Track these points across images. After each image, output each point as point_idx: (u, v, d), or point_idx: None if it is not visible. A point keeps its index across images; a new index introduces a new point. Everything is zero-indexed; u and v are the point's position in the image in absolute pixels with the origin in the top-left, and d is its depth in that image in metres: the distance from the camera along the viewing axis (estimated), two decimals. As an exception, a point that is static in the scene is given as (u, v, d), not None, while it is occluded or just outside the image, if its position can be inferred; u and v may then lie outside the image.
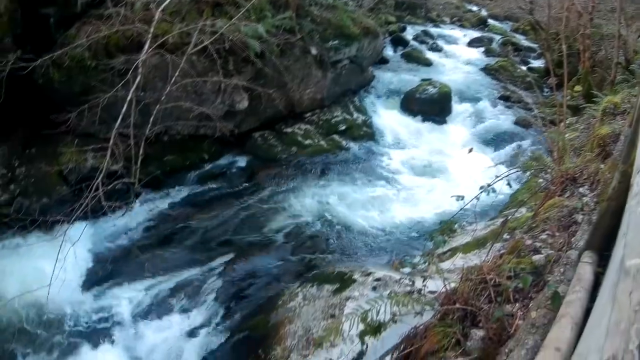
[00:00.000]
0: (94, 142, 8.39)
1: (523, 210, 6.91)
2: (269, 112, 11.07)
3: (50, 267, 6.31)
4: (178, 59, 8.42)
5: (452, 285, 4.11)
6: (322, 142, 11.31)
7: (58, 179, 8.81)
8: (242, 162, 10.45)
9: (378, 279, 6.72)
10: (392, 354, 4.73)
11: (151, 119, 7.74)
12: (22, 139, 9.42)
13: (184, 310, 7.31)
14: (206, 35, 8.98)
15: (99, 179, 6.69)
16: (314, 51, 11.52)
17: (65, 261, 6.51)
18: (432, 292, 4.52)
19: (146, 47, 8.02)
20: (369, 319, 4.66)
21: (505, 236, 5.23)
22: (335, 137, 11.59)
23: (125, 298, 7.46)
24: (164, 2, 8.67)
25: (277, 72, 10.61)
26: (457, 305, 3.80)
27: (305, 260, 8.19)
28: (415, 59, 16.94)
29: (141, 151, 7.37)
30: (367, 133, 11.96)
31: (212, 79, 9.29)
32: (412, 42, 18.84)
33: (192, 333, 7.04)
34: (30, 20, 9.17)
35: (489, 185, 4.55)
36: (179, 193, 9.44)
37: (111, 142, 7.17)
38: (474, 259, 5.64)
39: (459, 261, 5.89)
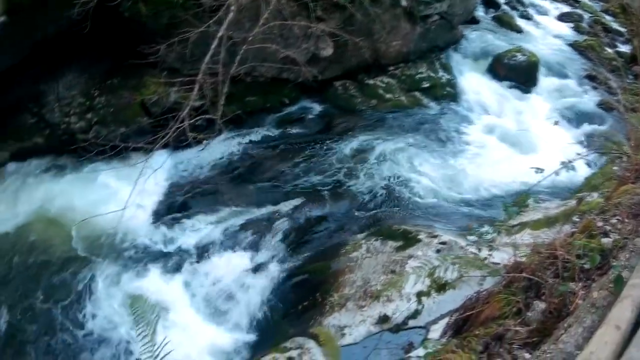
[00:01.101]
0: (178, 78, 8.73)
1: (595, 195, 6.95)
2: (353, 61, 11.21)
3: (127, 192, 6.94)
4: (269, 0, 8.63)
5: (520, 256, 4.29)
6: (403, 98, 11.40)
7: (139, 110, 9.43)
8: (320, 109, 10.73)
9: (443, 243, 6.99)
10: (451, 316, 4.96)
11: (237, 58, 8.03)
12: (104, 70, 10.07)
13: (251, 247, 7.86)
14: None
15: (186, 111, 7.07)
16: (404, 2, 11.50)
17: (143, 188, 7.14)
18: (495, 264, 4.71)
19: None
20: (435, 276, 4.92)
21: (575, 219, 5.33)
22: (417, 94, 11.62)
23: (195, 229, 8.11)
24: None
25: (365, 20, 10.70)
26: (524, 275, 3.96)
27: (373, 213, 8.51)
28: (505, 23, 16.57)
29: (225, 89, 7.71)
30: (450, 93, 11.92)
31: (300, 23, 9.49)
32: (504, 7, 18.41)
33: (255, 269, 7.62)
34: None
35: (569, 161, 4.59)
36: (257, 133, 9.89)
37: (199, 76, 7.52)
38: (542, 236, 5.77)
39: (526, 236, 6.04)
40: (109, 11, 8.47)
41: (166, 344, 3.44)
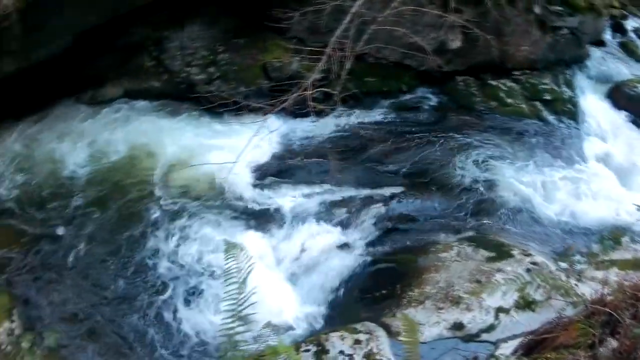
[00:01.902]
0: (302, 48, 9.28)
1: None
2: (479, 58, 11.24)
3: (239, 147, 7.37)
4: None
5: (606, 292, 4.34)
6: (524, 106, 11.30)
7: (260, 72, 9.99)
8: (438, 101, 10.83)
9: (535, 263, 7.10)
10: (526, 336, 5.06)
11: (365, 37, 8.24)
12: (230, 28, 10.67)
13: (342, 224, 8.22)
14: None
15: (311, 79, 7.39)
16: (537, 10, 11.42)
17: (255, 147, 7.55)
18: (580, 294, 4.76)
19: None
20: (525, 292, 5.03)
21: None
22: (538, 104, 11.44)
23: (294, 195, 8.57)
24: None
25: (498, 19, 10.70)
26: (607, 309, 4.03)
27: (470, 217, 8.61)
28: (630, 51, 16.01)
29: (349, 65, 7.93)
30: (569, 111, 11.66)
31: (433, 11, 9.58)
32: (631, 34, 17.82)
33: (343, 246, 7.99)
34: None
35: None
36: (371, 115, 10.13)
37: (329, 48, 7.76)
38: (629, 276, 5.78)
39: (612, 273, 6.03)
40: None
41: (253, 294, 3.70)
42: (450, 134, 10.12)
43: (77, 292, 7.53)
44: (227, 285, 3.92)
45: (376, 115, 10.16)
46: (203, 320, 7.20)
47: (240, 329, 3.76)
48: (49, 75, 10.72)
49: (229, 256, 3.97)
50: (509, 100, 11.21)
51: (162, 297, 7.45)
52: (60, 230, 8.36)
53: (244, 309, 3.81)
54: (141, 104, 10.38)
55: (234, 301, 3.81)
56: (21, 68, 10.39)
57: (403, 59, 10.40)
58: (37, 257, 8.01)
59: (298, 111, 8.15)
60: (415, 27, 9.86)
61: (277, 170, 8.95)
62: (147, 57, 10.58)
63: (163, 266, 7.73)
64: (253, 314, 3.81)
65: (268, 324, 4.18)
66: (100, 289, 7.60)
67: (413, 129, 10.08)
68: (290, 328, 7.08)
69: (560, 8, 11.96)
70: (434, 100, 10.83)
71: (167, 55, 10.46)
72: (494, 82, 11.42)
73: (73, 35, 10.47)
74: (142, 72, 10.53)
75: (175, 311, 7.32)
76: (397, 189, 8.75)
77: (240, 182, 8.61)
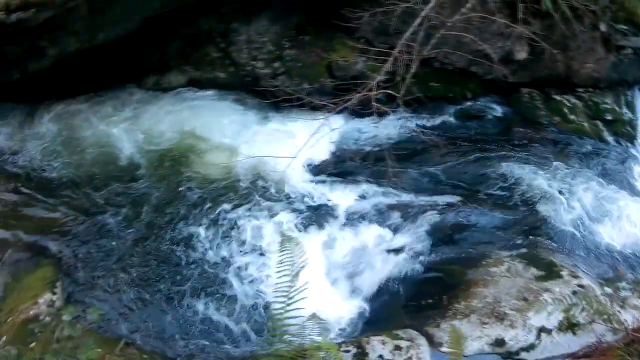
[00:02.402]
0: (368, 48, 9.23)
1: None
2: (544, 71, 11.09)
3: (299, 143, 7.57)
4: None
5: None
6: (585, 124, 11.10)
7: (325, 70, 10.07)
8: (501, 112, 10.70)
9: (581, 286, 6.99)
10: (565, 358, 5.04)
11: (432, 41, 8.24)
12: (297, 24, 10.76)
13: (395, 228, 8.23)
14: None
15: (376, 80, 7.42)
16: (603, 27, 11.21)
17: (315, 143, 7.56)
18: (622, 321, 4.73)
19: None
20: (570, 313, 5.01)
21: None
22: (599, 123, 11.22)
23: (349, 195, 8.67)
24: None
25: (565, 34, 10.58)
26: None
27: (524, 233, 8.52)
28: None
29: (414, 68, 7.95)
30: (628, 133, 11.39)
31: (501, 20, 9.53)
32: None
33: (392, 251, 8.00)
34: None
35: None
36: (433, 120, 10.12)
37: (396, 50, 7.80)
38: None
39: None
40: None
41: (305, 289, 3.78)
42: (511, 146, 10.01)
43: (123, 271, 7.76)
44: (279, 277, 4.01)
45: (439, 120, 10.15)
46: (248, 309, 7.34)
47: (288, 320, 3.85)
48: (114, 58, 11.05)
49: (284, 249, 4.06)
50: (572, 117, 11.06)
51: (208, 282, 7.63)
52: (110, 210, 8.67)
53: (293, 302, 3.90)
54: (205, 93, 10.66)
55: (285, 293, 3.90)
56: (84, 48, 10.73)
57: (469, 65, 10.35)
58: (85, 234, 8.30)
59: (360, 111, 8.21)
60: (483, 34, 9.81)
61: (335, 169, 9.05)
62: (214, 48, 10.76)
63: (212, 252, 7.92)
64: (301, 308, 3.89)
65: (313, 316, 4.24)
66: (146, 269, 7.81)
67: (474, 138, 10.04)
68: (333, 326, 7.15)
69: (625, 27, 11.78)
70: (497, 111, 10.71)
71: (234, 47, 10.61)
72: (557, 97, 11.26)
73: (138, 20, 10.73)
74: (207, 63, 10.75)
75: (221, 297, 7.48)
76: (453, 198, 8.71)
77: (298, 177, 8.78)
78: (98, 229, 8.37)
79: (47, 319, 6.90)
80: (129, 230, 8.30)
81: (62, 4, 9.43)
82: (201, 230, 8.18)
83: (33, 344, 6.45)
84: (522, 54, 10.46)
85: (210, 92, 10.68)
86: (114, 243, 8.14)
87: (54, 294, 7.26)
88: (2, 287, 7.69)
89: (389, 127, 9.66)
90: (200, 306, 7.38)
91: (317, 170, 9.04)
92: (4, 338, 6.70)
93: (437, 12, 8.47)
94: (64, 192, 9.15)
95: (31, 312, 6.96)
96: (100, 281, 7.65)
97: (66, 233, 8.35)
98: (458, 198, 8.75)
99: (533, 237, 8.47)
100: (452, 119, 10.28)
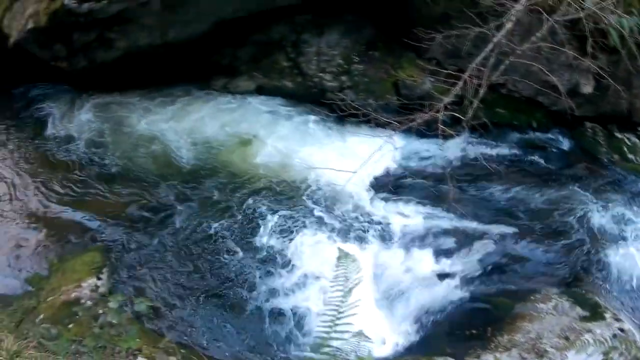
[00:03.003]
0: (435, 68, 9.32)
1: None
2: (608, 107, 10.88)
3: (360, 158, 7.57)
4: (545, 20, 8.73)
5: None
6: (644, 164, 11.01)
7: (391, 88, 10.17)
8: (565, 144, 10.52)
9: (622, 329, 6.86)
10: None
11: (502, 67, 8.28)
12: (367, 39, 10.90)
13: (447, 254, 8.15)
14: (573, 7, 9.15)
15: (444, 102, 7.48)
16: (665, 65, 11.07)
17: (376, 160, 7.72)
18: None
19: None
20: (609, 356, 5.01)
21: None
22: (659, 165, 11.15)
23: (405, 215, 8.62)
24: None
25: (628, 70, 10.45)
26: None
27: (575, 272, 8.37)
28: None
29: (482, 93, 7.99)
30: None
31: (570, 52, 9.51)
32: None
33: (442, 276, 7.92)
34: None
35: None
36: (496, 147, 10.00)
37: (466, 74, 7.85)
38: None
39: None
40: None
41: (356, 305, 3.86)
42: (572, 180, 9.80)
43: (170, 267, 7.92)
44: (332, 291, 4.10)
45: (502, 148, 10.05)
46: (297, 318, 7.37)
47: (335, 334, 3.94)
48: (183, 56, 11.40)
49: (340, 264, 4.14)
50: (630, 156, 10.87)
51: (256, 288, 7.69)
52: (162, 205, 8.93)
53: (343, 317, 3.99)
54: (272, 100, 10.92)
55: (336, 308, 3.99)
56: (154, 44, 11.18)
57: (536, 95, 10.27)
58: (136, 225, 8.57)
59: (424, 131, 8.27)
60: (551, 65, 9.76)
61: (394, 187, 9.00)
62: (284, 57, 11.02)
63: (263, 258, 8.01)
64: (350, 324, 3.98)
65: (359, 333, 4.31)
66: (193, 268, 7.94)
67: (535, 169, 9.89)
68: (376, 345, 7.05)
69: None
70: (560, 143, 10.54)
71: (304, 58, 10.84)
72: (619, 135, 11.09)
73: (211, 23, 11.09)
74: (276, 71, 11.01)
75: (270, 304, 7.52)
76: (508, 227, 8.58)
77: (356, 192, 8.79)
78: (149, 222, 8.63)
79: (89, 303, 7.04)
80: (179, 227, 8.50)
81: None
82: (253, 236, 8.30)
83: (71, 326, 6.59)
84: (588, 88, 10.36)
85: (276, 100, 10.93)
86: (163, 238, 8.34)
87: (99, 279, 7.43)
88: (47, 266, 8.01)
89: (452, 150, 9.60)
90: (246, 310, 7.47)
91: (376, 187, 9.03)
92: (41, 315, 6.87)
93: (508, 39, 8.51)
94: (117, 182, 9.47)
95: (73, 295, 7.12)
96: (146, 274, 7.83)
97: (117, 222, 8.63)
98: (513, 228, 8.58)
99: (583, 275, 8.36)
100: (515, 147, 10.16)
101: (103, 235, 8.38)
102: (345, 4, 10.57)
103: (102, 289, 7.34)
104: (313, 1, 10.88)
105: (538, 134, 10.50)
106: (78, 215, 8.86)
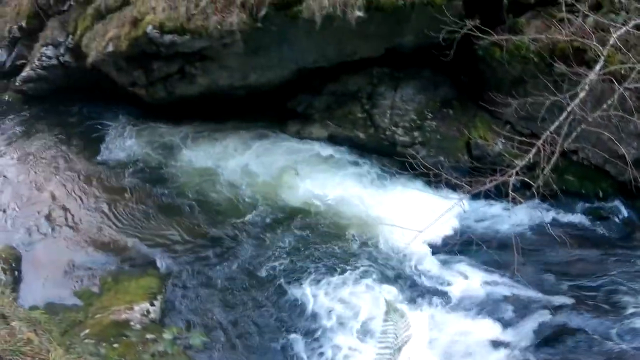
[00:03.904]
0: (507, 129, 9.64)
1: None
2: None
3: (427, 215, 7.44)
4: (617, 89, 8.70)
5: None
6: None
7: (463, 147, 10.27)
8: (628, 217, 10.26)
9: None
10: None
11: (573, 134, 8.29)
12: (442, 96, 11.05)
13: (502, 321, 8.01)
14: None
15: (517, 169, 7.39)
16: None
17: (443, 220, 7.52)
18: None
19: (597, 68, 8.46)
20: None
21: None
22: None
23: (465, 277, 8.58)
24: (620, 29, 8.93)
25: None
26: None
27: (630, 350, 8.22)
28: None
29: (553, 160, 8.02)
30: None
31: (637, 120, 9.41)
32: None
33: (497, 344, 7.75)
34: None
35: None
36: (563, 214, 9.90)
37: (540, 141, 7.88)
38: None
39: None
40: (466, 43, 9.27)
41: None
42: (632, 254, 9.50)
43: (225, 303, 8.12)
44: (380, 348, 4.19)
45: (568, 216, 9.93)
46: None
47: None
48: (261, 98, 11.99)
49: (389, 319, 4.23)
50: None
51: (308, 334, 7.75)
52: (223, 240, 9.22)
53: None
54: (343, 150, 11.22)
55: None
56: (234, 85, 11.76)
57: (604, 164, 10.12)
58: (195, 257, 8.89)
59: (492, 193, 8.31)
60: (620, 133, 9.66)
61: (457, 249, 8.85)
62: (359, 108, 11.28)
63: (317, 303, 8.08)
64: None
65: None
66: (247, 306, 8.11)
67: (600, 240, 9.67)
68: None
69: None
70: (625, 215, 10.28)
71: (378, 110, 11.05)
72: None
73: (291, 70, 11.61)
74: (349, 121, 11.29)
75: (315, 353, 7.57)
76: (568, 298, 8.34)
77: (418, 250, 8.78)
78: (207, 255, 8.93)
79: (138, 326, 7.31)
80: (237, 263, 8.75)
81: (219, 37, 10.37)
82: (309, 281, 8.43)
83: (117, 345, 6.81)
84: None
85: (347, 150, 11.21)
86: (219, 272, 8.61)
87: (152, 305, 7.72)
88: (99, 284, 8.41)
89: (519, 215, 9.53)
90: (296, 357, 7.53)
91: (439, 247, 9.02)
92: (87, 330, 7.14)
93: (580, 107, 8.55)
94: (179, 213, 9.92)
95: (123, 316, 7.40)
96: (200, 306, 8.08)
97: (176, 251, 9.00)
98: (572, 300, 8.35)
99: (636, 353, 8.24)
100: (581, 216, 10.01)
101: (161, 263, 8.76)
102: (423, 60, 10.67)
103: (153, 315, 7.63)
104: (392, 55, 11.19)
105: (603, 203, 10.33)
106: (137, 240, 9.30)
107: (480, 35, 8.72)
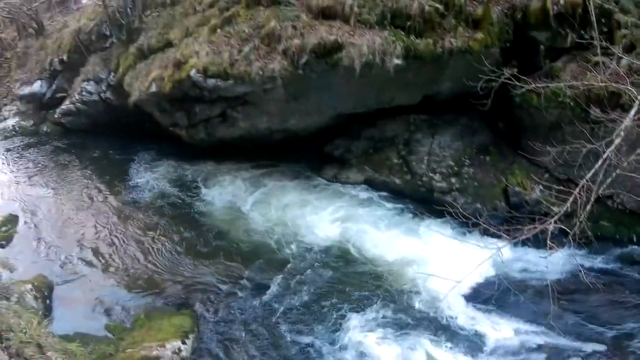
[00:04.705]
0: (544, 174, 9.98)
1: None
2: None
3: (462, 265, 7.73)
4: None
5: None
6: None
7: (500, 194, 10.41)
8: None
9: None
10: None
11: (608, 180, 8.37)
12: (479, 143, 11.28)
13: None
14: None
15: (555, 218, 7.38)
16: None
17: (480, 269, 7.84)
18: None
19: (632, 113, 8.52)
20: None
21: None
22: None
23: (500, 327, 8.56)
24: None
25: None
26: None
27: None
28: None
29: (589, 206, 8.09)
30: None
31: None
32: None
33: None
34: (520, 38, 10.73)
35: None
36: (597, 260, 9.94)
37: (577, 190, 7.97)
38: None
39: None
40: (503, 89, 9.43)
41: None
42: None
43: (256, 344, 8.19)
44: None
45: (603, 261, 9.97)
46: None
47: None
48: (299, 142, 12.37)
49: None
50: None
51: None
52: (258, 285, 9.29)
53: None
54: (379, 195, 11.38)
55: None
56: (273, 129, 12.18)
57: (638, 208, 10.30)
58: (228, 299, 9.00)
59: (529, 240, 8.29)
60: (651, 178, 9.82)
61: (493, 296, 8.95)
62: (395, 154, 11.58)
63: (352, 348, 8.08)
64: None
65: None
66: (278, 351, 8.12)
67: (633, 285, 9.64)
68: None
69: None
70: None
71: (414, 157, 11.32)
72: None
73: (330, 115, 11.99)
74: (386, 166, 11.57)
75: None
76: (602, 346, 8.27)
77: (454, 299, 8.72)
78: (240, 297, 9.04)
79: None
80: (269, 307, 8.83)
81: (261, 83, 10.82)
82: (341, 327, 8.44)
83: None
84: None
85: (382, 194, 11.38)
86: (252, 315, 8.69)
87: (184, 343, 7.87)
88: (132, 319, 8.61)
89: (555, 263, 9.43)
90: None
91: (474, 295, 9.04)
92: None
93: (615, 153, 8.64)
94: (214, 253, 10.07)
95: (154, 352, 7.57)
96: (231, 347, 8.16)
97: (210, 292, 9.13)
98: (604, 347, 8.38)
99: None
100: (615, 262, 10.06)
101: (195, 303, 8.90)
102: (461, 106, 10.95)
103: (184, 353, 7.79)
104: (429, 102, 11.53)
105: (636, 247, 10.45)
106: (170, 278, 9.51)
107: (518, 84, 8.87)
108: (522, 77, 8.96)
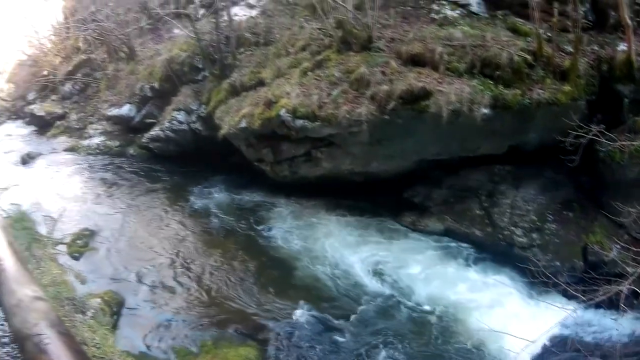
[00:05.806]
0: (624, 235, 9.95)
1: None
2: None
3: (535, 323, 7.99)
4: None
5: None
6: None
7: (579, 252, 10.34)
8: None
9: None
10: None
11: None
12: (563, 198, 11.21)
13: None
14: None
15: (630, 280, 7.44)
16: None
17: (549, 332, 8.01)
18: None
19: None
20: None
21: None
22: None
23: None
24: None
25: None
26: None
27: None
28: None
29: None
30: None
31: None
32: None
33: None
34: (604, 91, 10.95)
35: None
36: None
37: None
38: None
39: None
40: (588, 144, 9.38)
41: None
42: None
43: None
44: None
45: None
46: None
47: None
48: (379, 186, 12.66)
49: None
50: None
51: None
52: (328, 321, 9.44)
53: None
54: (457, 245, 11.45)
55: None
56: (355, 171, 12.59)
57: None
58: (296, 335, 9.10)
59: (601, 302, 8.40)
60: None
61: (562, 357, 8.70)
62: (477, 205, 11.69)
63: None
64: None
65: None
66: None
67: None
68: None
69: None
70: None
71: (497, 209, 11.39)
72: None
73: (413, 161, 12.29)
74: (467, 217, 11.67)
75: None
76: None
77: (526, 357, 8.52)
78: (311, 334, 9.15)
79: None
80: (340, 346, 8.93)
81: (347, 126, 11.35)
82: None
83: None
84: None
85: (463, 246, 11.39)
86: (323, 354, 8.78)
87: None
88: (198, 344, 8.92)
89: (625, 325, 9.20)
90: None
91: (545, 356, 8.83)
92: None
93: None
94: (288, 288, 10.34)
95: None
96: None
97: (280, 326, 9.28)
98: None
99: None
100: None
101: (263, 336, 9.11)
102: (546, 159, 11.16)
103: None
104: (515, 153, 11.74)
105: None
106: (242, 309, 9.79)
107: (604, 141, 9.08)
108: (608, 133, 9.10)
